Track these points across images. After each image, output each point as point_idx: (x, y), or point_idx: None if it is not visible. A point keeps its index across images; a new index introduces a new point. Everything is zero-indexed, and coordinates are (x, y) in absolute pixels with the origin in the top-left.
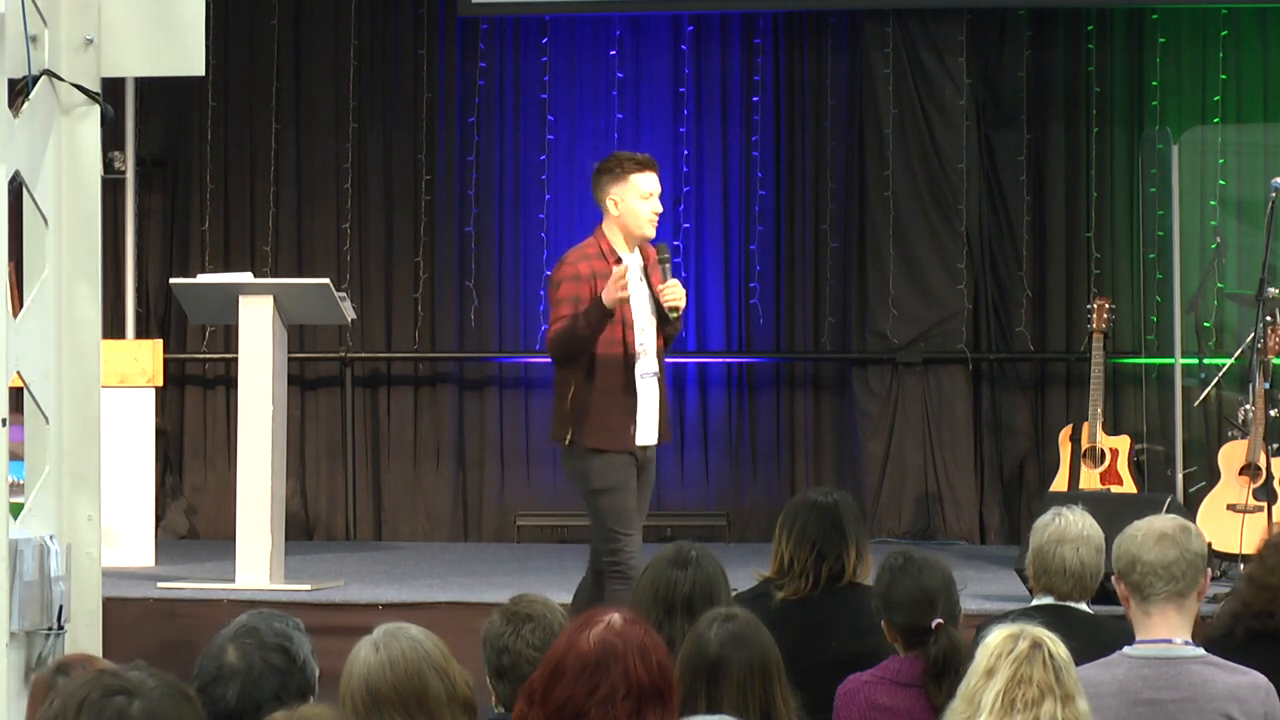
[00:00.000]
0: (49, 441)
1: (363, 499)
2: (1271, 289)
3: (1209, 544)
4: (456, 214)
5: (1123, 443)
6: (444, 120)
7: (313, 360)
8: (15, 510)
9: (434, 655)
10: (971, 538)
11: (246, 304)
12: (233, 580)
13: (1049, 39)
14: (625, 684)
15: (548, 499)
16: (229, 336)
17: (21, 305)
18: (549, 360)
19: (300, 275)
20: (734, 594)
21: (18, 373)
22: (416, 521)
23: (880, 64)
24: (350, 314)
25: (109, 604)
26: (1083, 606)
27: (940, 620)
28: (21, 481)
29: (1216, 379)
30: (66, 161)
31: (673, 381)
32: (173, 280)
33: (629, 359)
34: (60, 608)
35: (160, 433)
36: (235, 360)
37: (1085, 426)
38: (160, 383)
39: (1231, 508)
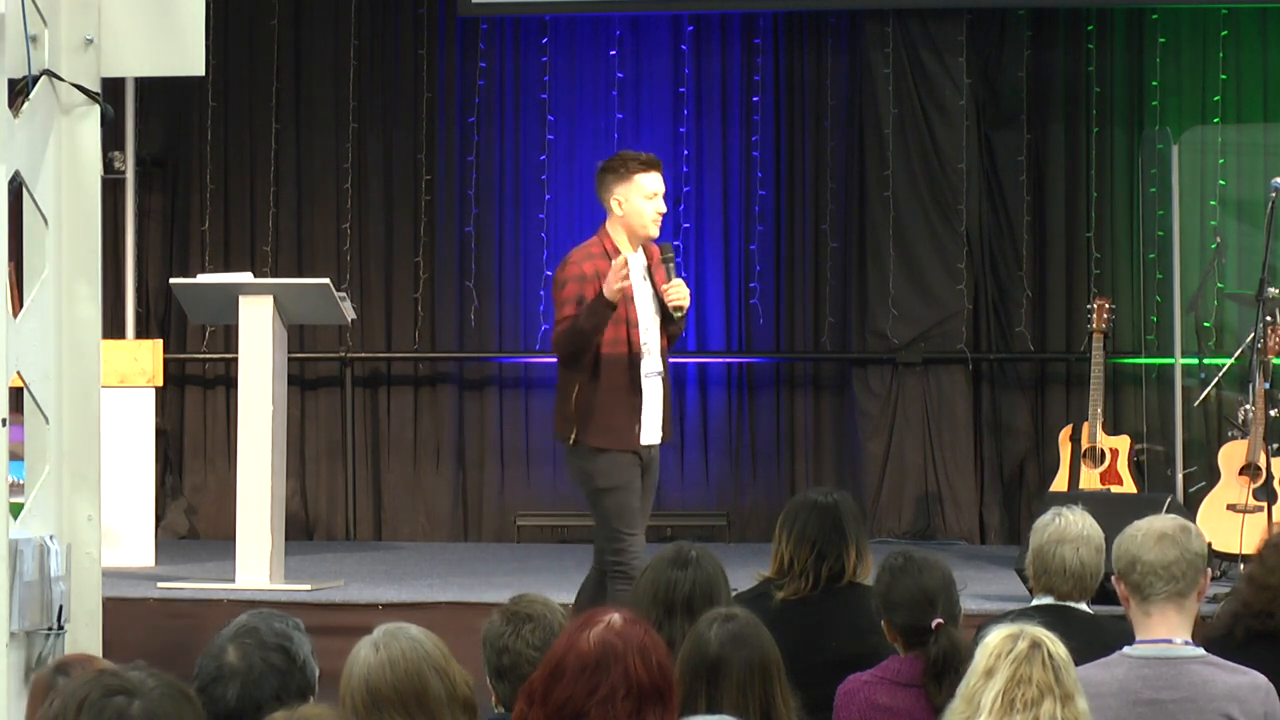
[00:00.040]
0: (49, 441)
1: (363, 499)
2: (1271, 289)
3: (1209, 544)
4: (456, 214)
5: (1123, 443)
6: (444, 120)
7: (313, 360)
8: (15, 510)
9: (434, 655)
10: (971, 538)
11: (246, 304)
12: (233, 580)
13: (1049, 39)
14: (625, 684)
15: (548, 499)
16: (229, 336)
17: (21, 305)
18: (549, 360)
19: (300, 275)
20: (734, 594)
21: (18, 373)
22: (416, 521)
23: (880, 64)
24: (350, 314)
25: (109, 604)
26: (1083, 606)
27: (940, 620)
28: (21, 481)
29: (1216, 379)
30: (66, 161)
31: (673, 381)
32: (173, 280)
33: (634, 358)
34: (60, 608)
35: (160, 433)
36: (235, 360)
37: (1085, 426)
38: (160, 383)
39: (1231, 508)
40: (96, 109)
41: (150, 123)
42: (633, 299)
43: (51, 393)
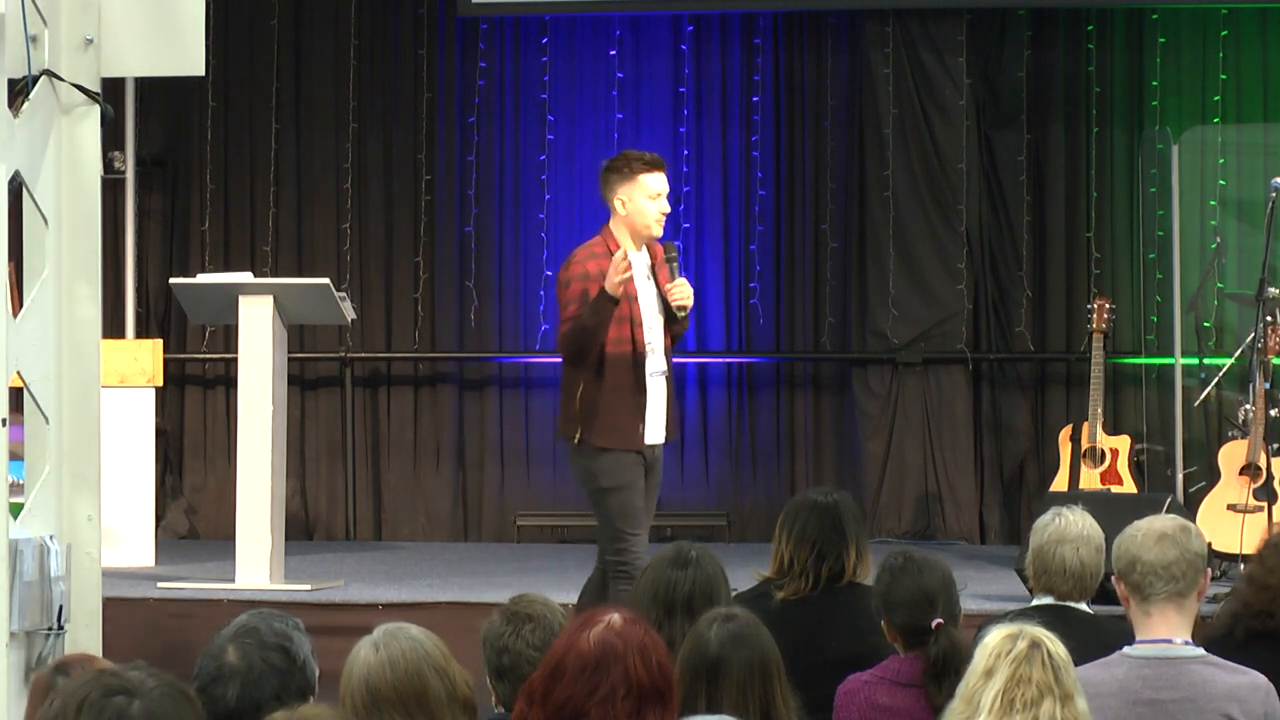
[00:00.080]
0: (49, 441)
1: (363, 499)
2: (1271, 289)
3: (1209, 544)
4: (456, 214)
5: (1123, 443)
6: (444, 120)
7: (313, 360)
8: (15, 510)
9: (434, 655)
10: (971, 538)
11: (246, 304)
12: (233, 580)
13: (1049, 39)
14: (625, 684)
15: (548, 499)
16: (229, 336)
17: (21, 305)
18: (549, 360)
19: (300, 275)
20: (734, 594)
21: (18, 373)
22: (416, 521)
23: (880, 64)
24: (350, 314)
25: (109, 604)
26: (1083, 606)
27: (940, 620)
28: (21, 481)
29: (1216, 379)
30: (66, 161)
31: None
32: (173, 280)
33: (638, 357)
34: (60, 608)
35: (160, 433)
36: (235, 360)
37: (1085, 426)
38: (160, 383)
39: (1231, 508)
40: (96, 109)
41: (150, 123)
42: (637, 298)
43: (51, 393)
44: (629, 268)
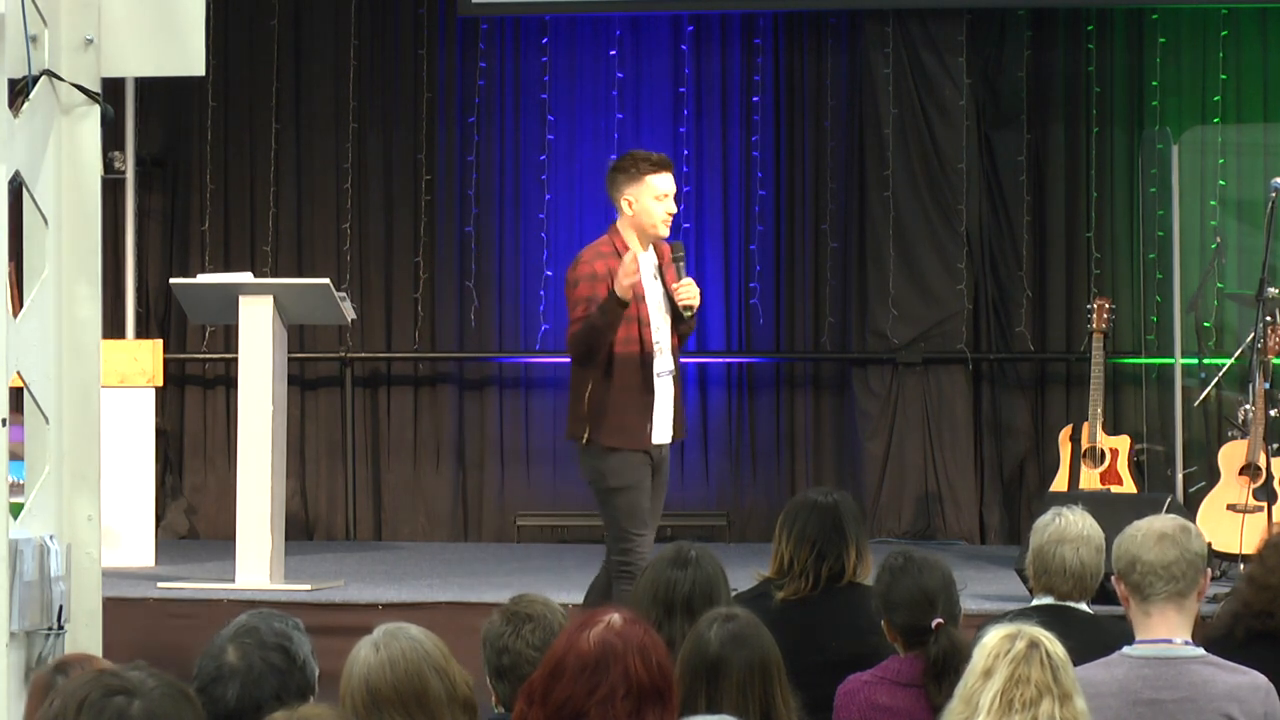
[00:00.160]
0: (49, 441)
1: (363, 499)
2: (1271, 289)
3: (1209, 544)
4: (456, 214)
5: (1123, 443)
6: (444, 120)
7: (313, 360)
8: (15, 510)
9: (434, 655)
10: (971, 538)
11: (246, 304)
12: (233, 580)
13: (1049, 39)
14: (625, 684)
15: (548, 499)
16: (229, 336)
17: (21, 305)
18: (549, 360)
19: (300, 275)
20: (734, 594)
21: (18, 373)
22: (416, 521)
23: (880, 64)
24: (350, 314)
25: (109, 604)
26: (1083, 606)
27: (940, 620)
28: (21, 481)
29: (1216, 379)
30: (66, 161)
31: None
32: (173, 280)
33: (646, 357)
34: (60, 608)
35: (160, 433)
36: (235, 360)
37: (1085, 426)
38: (160, 383)
39: (1231, 508)
40: (96, 109)
41: (150, 123)
42: (644, 298)
43: (51, 393)
44: (638, 269)
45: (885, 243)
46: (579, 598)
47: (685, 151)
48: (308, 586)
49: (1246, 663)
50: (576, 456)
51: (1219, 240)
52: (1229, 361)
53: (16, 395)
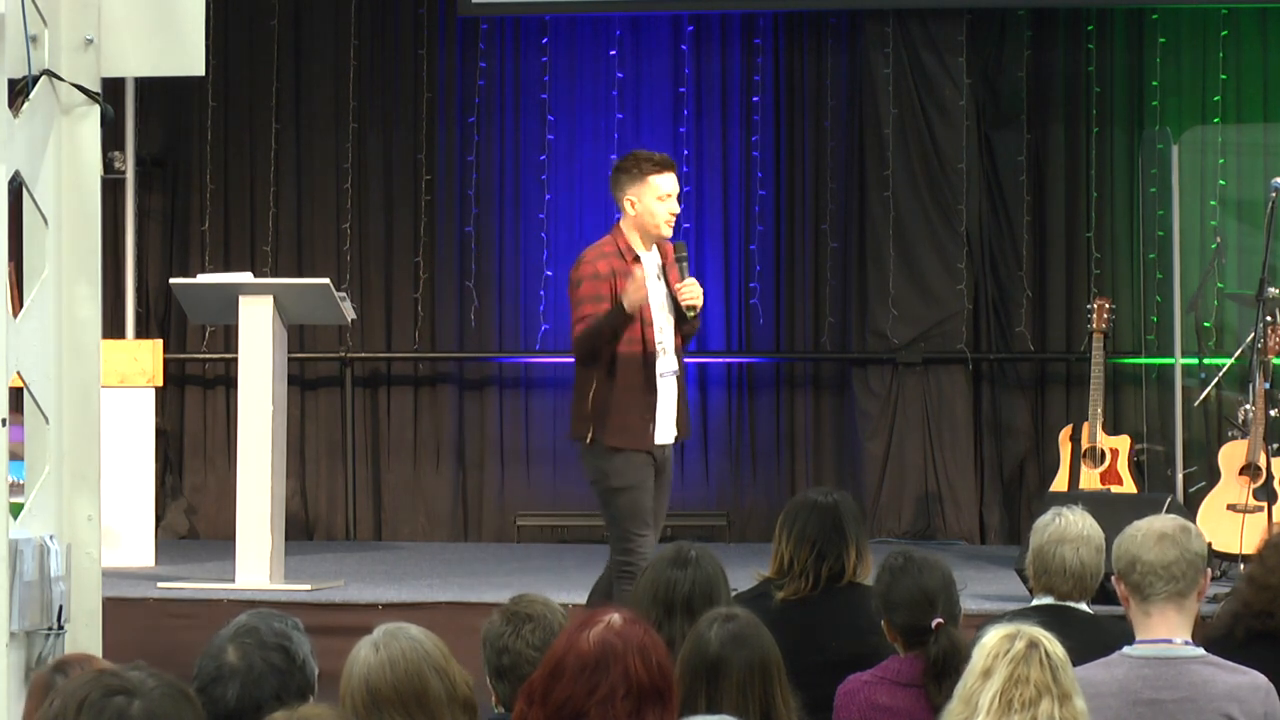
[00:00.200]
0: (49, 441)
1: (363, 499)
2: (1271, 289)
3: (1209, 544)
4: (456, 214)
5: (1123, 443)
6: (444, 120)
7: (313, 360)
8: (15, 510)
9: (434, 655)
10: (971, 538)
11: (246, 304)
12: (233, 580)
13: (1049, 39)
14: (625, 684)
15: (548, 499)
16: (229, 336)
17: (21, 305)
18: (549, 360)
19: (300, 275)
20: (734, 594)
21: (18, 373)
22: (416, 521)
23: (880, 64)
24: (350, 314)
25: (109, 604)
26: (1083, 606)
27: (940, 620)
28: (21, 481)
29: (1216, 379)
30: (66, 161)
31: None
32: (173, 280)
33: (649, 357)
34: (60, 608)
35: (160, 433)
36: (235, 360)
37: (1085, 426)
38: (160, 383)
39: (1231, 508)
40: (96, 109)
41: (150, 123)
42: (647, 298)
43: (51, 393)
44: (644, 286)
45: (885, 243)
46: (579, 598)
47: (685, 151)
48: (308, 586)
49: (1246, 663)
50: (576, 456)
51: (1219, 240)
52: (1229, 361)
53: (16, 395)
